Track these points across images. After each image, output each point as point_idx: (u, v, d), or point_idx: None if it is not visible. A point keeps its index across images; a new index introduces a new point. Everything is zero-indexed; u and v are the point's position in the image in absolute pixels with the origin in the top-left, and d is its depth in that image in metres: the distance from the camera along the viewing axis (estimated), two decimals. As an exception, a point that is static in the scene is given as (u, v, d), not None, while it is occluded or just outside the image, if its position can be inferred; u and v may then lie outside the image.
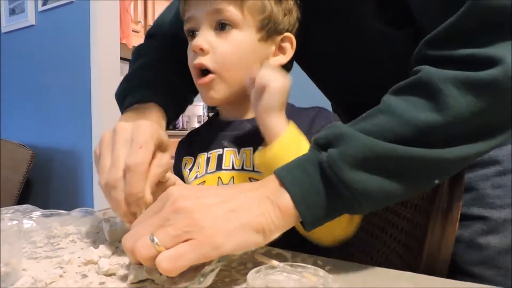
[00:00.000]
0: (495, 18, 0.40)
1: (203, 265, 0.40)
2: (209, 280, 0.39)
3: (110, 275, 0.43)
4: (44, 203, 1.78)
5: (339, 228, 0.52)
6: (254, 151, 0.64)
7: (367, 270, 0.47)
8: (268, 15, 0.62)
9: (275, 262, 0.40)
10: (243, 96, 0.64)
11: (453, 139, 0.42)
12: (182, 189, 0.42)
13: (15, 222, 0.43)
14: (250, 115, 0.68)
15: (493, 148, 0.44)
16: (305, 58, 0.75)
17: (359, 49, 0.65)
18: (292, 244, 0.52)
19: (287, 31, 0.65)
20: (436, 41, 0.44)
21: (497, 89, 0.40)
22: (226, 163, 0.65)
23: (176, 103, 0.70)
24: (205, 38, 0.61)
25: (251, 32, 0.61)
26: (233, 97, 0.64)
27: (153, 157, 0.50)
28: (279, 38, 0.64)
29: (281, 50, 0.65)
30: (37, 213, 0.62)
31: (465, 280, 0.46)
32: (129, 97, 0.67)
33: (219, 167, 0.65)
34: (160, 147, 0.53)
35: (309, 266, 0.39)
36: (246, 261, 0.47)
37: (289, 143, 0.53)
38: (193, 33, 0.64)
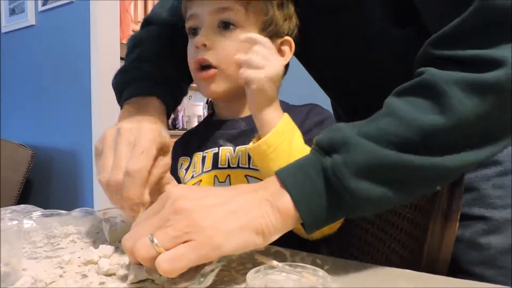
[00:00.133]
0: (501, 19, 0.39)
1: (203, 265, 0.40)
2: (209, 280, 0.39)
3: (110, 275, 0.43)
4: (44, 203, 1.78)
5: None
6: None
7: (366, 269, 0.47)
8: (270, 17, 0.63)
9: (274, 262, 0.40)
10: (240, 94, 0.64)
11: (457, 143, 0.41)
12: (182, 189, 0.42)
13: (15, 222, 0.43)
14: (245, 113, 0.68)
15: (496, 153, 0.43)
16: (307, 55, 0.75)
17: (361, 48, 0.65)
18: (291, 244, 0.52)
19: (286, 35, 0.65)
20: (441, 41, 0.43)
21: (501, 91, 0.39)
22: (222, 161, 0.65)
23: (174, 95, 0.70)
24: (208, 35, 0.61)
25: (254, 33, 0.61)
26: (232, 93, 0.64)
27: (155, 159, 0.52)
28: (279, 41, 0.64)
29: (280, 53, 0.65)
30: (37, 213, 0.62)
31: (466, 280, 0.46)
32: (128, 88, 0.66)
33: (215, 165, 0.65)
34: (162, 150, 0.54)
35: (308, 266, 0.39)
36: (246, 261, 0.47)
37: (283, 133, 0.53)
38: (195, 31, 0.64)
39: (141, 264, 0.40)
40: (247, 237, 0.40)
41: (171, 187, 0.56)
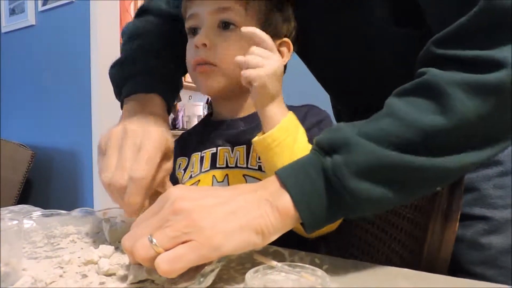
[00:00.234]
0: (505, 19, 0.39)
1: (203, 265, 0.40)
2: (209, 280, 0.39)
3: (110, 275, 0.43)
4: (44, 203, 1.78)
5: None
6: (247, 148, 0.64)
7: (365, 269, 0.47)
8: (270, 18, 0.63)
9: (273, 262, 0.40)
10: (238, 93, 0.64)
11: (458, 144, 0.41)
12: (181, 190, 0.42)
13: (15, 222, 0.43)
14: (244, 113, 0.68)
15: (496, 154, 0.43)
16: (307, 55, 0.75)
17: (361, 48, 0.65)
18: (290, 244, 0.52)
19: (285, 36, 0.66)
20: (445, 40, 0.43)
21: (502, 92, 0.39)
22: (220, 161, 0.65)
23: (173, 91, 0.70)
24: (207, 35, 0.61)
25: None
26: (230, 90, 0.64)
27: (158, 164, 0.52)
28: (278, 42, 0.64)
29: (279, 53, 0.65)
30: (37, 213, 0.62)
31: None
32: (128, 83, 0.65)
33: (213, 165, 0.65)
34: (165, 154, 0.54)
35: (307, 266, 0.39)
36: (245, 261, 0.47)
37: (287, 129, 0.54)
38: (194, 31, 0.64)
39: (141, 264, 0.40)
40: (246, 237, 0.40)
41: (171, 187, 0.56)
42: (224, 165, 0.65)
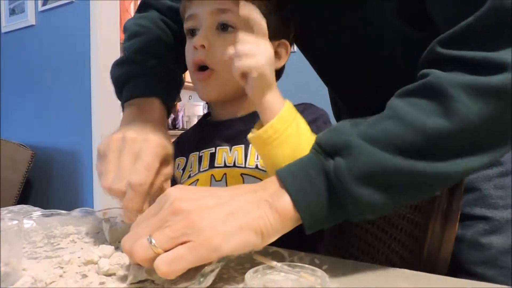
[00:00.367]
0: (509, 20, 0.39)
1: (203, 265, 0.40)
2: (209, 280, 0.39)
3: (110, 275, 0.43)
4: (44, 203, 1.78)
5: None
6: (245, 148, 0.64)
7: (364, 269, 0.47)
8: (268, 20, 0.63)
9: (273, 262, 0.40)
10: (236, 95, 0.65)
11: (461, 147, 0.41)
12: (180, 190, 0.42)
13: (15, 222, 0.43)
14: (241, 113, 0.68)
15: (499, 157, 0.43)
16: (309, 52, 0.74)
17: (363, 46, 0.65)
18: (289, 244, 0.52)
19: (283, 38, 0.66)
20: (450, 40, 0.42)
21: (506, 95, 0.39)
22: (218, 160, 0.65)
23: (173, 90, 0.70)
24: (206, 36, 0.61)
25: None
26: (228, 95, 0.64)
27: (157, 170, 0.53)
28: (276, 43, 0.65)
29: (276, 55, 0.65)
30: (37, 213, 0.62)
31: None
32: (128, 86, 0.66)
33: (211, 165, 0.66)
34: (165, 160, 0.55)
35: (307, 266, 0.39)
36: (244, 261, 0.47)
37: (287, 120, 0.50)
38: (193, 32, 0.64)
39: (141, 265, 0.40)
40: (246, 238, 0.40)
41: (170, 188, 0.56)
42: (222, 165, 0.65)
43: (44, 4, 2.30)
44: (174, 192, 0.41)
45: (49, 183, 2.35)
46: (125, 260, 0.45)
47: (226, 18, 0.61)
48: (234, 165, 0.64)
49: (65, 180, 2.27)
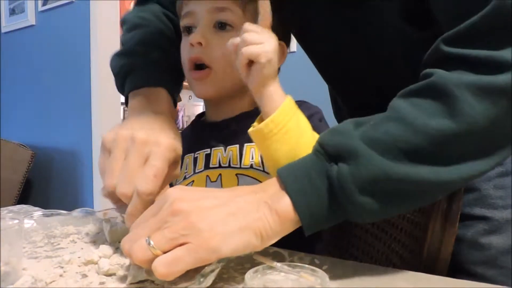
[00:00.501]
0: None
1: (203, 265, 0.40)
2: (209, 280, 0.39)
3: (110, 275, 0.43)
4: (44, 203, 1.78)
5: None
6: (240, 148, 0.64)
7: (364, 269, 0.47)
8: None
9: (273, 262, 0.40)
10: (231, 95, 0.64)
11: (466, 150, 0.40)
12: (179, 191, 0.42)
13: (15, 221, 0.43)
14: (235, 113, 0.68)
15: (505, 159, 0.42)
16: (309, 52, 0.74)
17: (363, 46, 0.64)
18: (289, 244, 0.52)
19: (280, 38, 0.65)
20: (456, 39, 0.41)
21: (511, 95, 0.38)
22: (213, 161, 0.65)
23: (177, 82, 0.68)
24: (203, 34, 0.60)
25: None
26: (225, 93, 0.64)
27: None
28: None
29: None
30: (38, 213, 0.62)
31: (467, 280, 0.46)
32: (133, 74, 0.64)
33: (206, 166, 0.66)
34: (174, 162, 0.53)
35: (306, 266, 0.39)
36: (244, 261, 0.47)
37: (288, 113, 0.50)
38: (189, 29, 0.64)
39: (141, 265, 0.40)
40: (245, 240, 0.40)
41: (169, 188, 0.56)
42: (217, 165, 0.65)
43: (44, 4, 2.30)
44: (173, 193, 0.41)
45: (49, 183, 2.35)
46: (125, 260, 0.45)
47: (224, 17, 0.61)
48: (229, 166, 0.64)
49: (65, 180, 2.27)
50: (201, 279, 0.39)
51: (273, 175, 0.45)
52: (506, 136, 0.41)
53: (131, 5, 3.18)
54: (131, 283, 0.41)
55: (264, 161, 0.58)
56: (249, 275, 0.37)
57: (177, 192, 0.41)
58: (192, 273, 0.39)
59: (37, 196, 2.38)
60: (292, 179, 0.42)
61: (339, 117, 0.84)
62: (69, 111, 2.22)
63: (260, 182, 0.54)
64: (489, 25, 0.39)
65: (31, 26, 2.38)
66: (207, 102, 0.72)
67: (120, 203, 0.51)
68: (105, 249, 0.47)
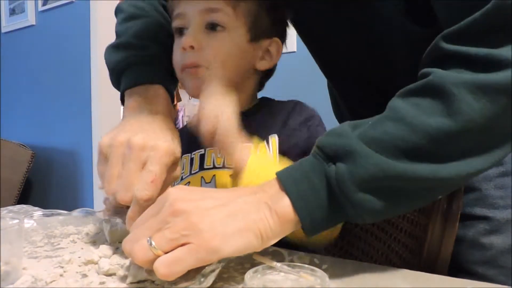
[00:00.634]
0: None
1: (203, 265, 0.40)
2: (210, 280, 0.39)
3: (110, 275, 0.43)
4: (44, 203, 1.78)
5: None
6: None
7: (364, 269, 0.47)
8: (259, 19, 0.62)
9: (273, 262, 0.40)
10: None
11: (464, 148, 0.40)
12: (180, 191, 0.42)
13: (16, 221, 0.43)
14: None
15: (504, 157, 0.42)
16: (313, 43, 0.73)
17: (363, 44, 0.64)
18: (289, 244, 0.52)
19: (275, 36, 0.65)
20: (456, 36, 0.41)
21: (509, 92, 0.38)
22: (208, 162, 0.65)
23: (175, 78, 0.67)
24: (195, 36, 0.60)
25: (241, 34, 0.61)
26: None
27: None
28: (267, 42, 0.64)
29: (267, 54, 0.65)
30: (38, 213, 0.62)
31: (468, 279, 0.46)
32: (129, 70, 0.63)
33: (201, 167, 0.65)
34: (173, 164, 0.53)
35: (306, 265, 0.39)
36: (244, 261, 0.47)
37: (257, 169, 0.52)
38: (181, 31, 0.63)
39: (141, 265, 0.40)
40: (245, 240, 0.40)
41: (169, 188, 0.56)
42: (211, 166, 0.64)
43: (44, 4, 2.30)
44: (174, 193, 0.41)
45: (49, 183, 2.36)
46: (125, 260, 0.45)
47: (216, 18, 0.60)
48: (223, 166, 0.64)
49: (65, 180, 2.27)
50: (202, 279, 0.39)
51: None
52: (504, 134, 0.41)
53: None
54: (131, 282, 0.41)
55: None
56: (248, 275, 0.37)
57: (177, 192, 0.41)
58: (192, 273, 0.39)
59: (37, 196, 2.39)
60: (291, 180, 0.42)
61: (339, 117, 0.84)
62: (69, 111, 2.22)
63: None
64: (489, 23, 0.39)
65: (31, 26, 2.38)
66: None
67: (119, 207, 0.52)
68: (105, 249, 0.47)
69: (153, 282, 0.41)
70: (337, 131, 0.43)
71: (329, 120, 0.69)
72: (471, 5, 0.40)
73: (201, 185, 0.64)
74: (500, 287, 0.41)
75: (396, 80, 0.47)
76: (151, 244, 0.38)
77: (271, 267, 0.39)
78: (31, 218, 0.60)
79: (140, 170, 0.49)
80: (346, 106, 0.80)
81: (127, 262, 0.44)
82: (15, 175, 2.11)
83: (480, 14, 0.39)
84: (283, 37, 0.68)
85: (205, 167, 0.65)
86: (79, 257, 0.46)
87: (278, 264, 0.40)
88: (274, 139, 0.62)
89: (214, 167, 0.64)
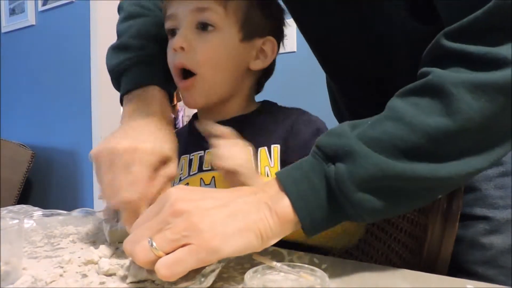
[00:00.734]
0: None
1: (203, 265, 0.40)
2: (210, 280, 0.39)
3: (110, 275, 0.43)
4: (44, 203, 1.79)
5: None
6: None
7: (364, 268, 0.47)
8: (250, 17, 0.62)
9: (272, 262, 0.40)
10: (222, 98, 0.64)
11: (463, 147, 0.40)
12: (180, 191, 0.42)
13: (15, 221, 0.43)
14: (228, 116, 0.67)
15: (503, 156, 0.42)
16: (314, 41, 0.73)
17: (363, 41, 0.63)
18: (288, 243, 0.52)
19: (269, 35, 0.65)
20: (457, 33, 0.41)
21: (508, 91, 0.38)
22: (206, 163, 0.65)
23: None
24: (185, 37, 0.59)
25: (233, 34, 0.61)
26: (214, 98, 0.63)
27: (157, 169, 0.53)
28: (261, 41, 0.64)
29: (262, 53, 0.65)
30: (38, 213, 0.62)
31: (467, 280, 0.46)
32: (127, 74, 0.63)
33: (200, 168, 0.65)
34: (163, 162, 0.54)
35: (306, 265, 0.39)
36: (244, 261, 0.47)
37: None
38: (173, 32, 0.62)
39: (141, 265, 0.40)
40: (245, 240, 0.40)
41: (170, 188, 0.56)
42: (210, 168, 0.64)
43: (44, 4, 2.30)
44: (174, 192, 0.41)
45: (49, 183, 2.36)
46: (125, 260, 0.45)
47: (206, 17, 0.60)
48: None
49: (65, 180, 2.27)
50: (202, 279, 0.39)
51: None
52: (504, 133, 0.41)
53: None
54: (131, 282, 0.41)
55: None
56: (248, 275, 0.37)
57: (178, 192, 0.41)
58: (192, 273, 0.39)
59: (37, 196, 2.39)
60: (291, 181, 0.42)
61: (339, 117, 0.84)
62: (69, 111, 2.23)
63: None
64: (491, 21, 0.39)
65: (31, 26, 2.38)
66: (198, 108, 0.71)
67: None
68: (105, 249, 0.47)
69: (153, 281, 0.41)
70: (336, 131, 0.43)
71: (329, 120, 0.69)
72: (472, 4, 0.40)
73: (200, 186, 0.64)
74: (500, 287, 0.41)
75: (396, 80, 0.47)
76: (152, 245, 0.38)
77: (271, 267, 0.39)
78: (31, 218, 0.60)
79: (126, 176, 0.50)
80: (345, 106, 0.80)
81: (127, 262, 0.44)
82: (15, 175, 2.11)
83: (482, 12, 0.39)
84: (278, 36, 0.67)
85: (204, 168, 0.65)
86: (79, 257, 0.46)
87: (278, 264, 0.40)
88: (276, 148, 0.62)
89: (214, 169, 0.64)
